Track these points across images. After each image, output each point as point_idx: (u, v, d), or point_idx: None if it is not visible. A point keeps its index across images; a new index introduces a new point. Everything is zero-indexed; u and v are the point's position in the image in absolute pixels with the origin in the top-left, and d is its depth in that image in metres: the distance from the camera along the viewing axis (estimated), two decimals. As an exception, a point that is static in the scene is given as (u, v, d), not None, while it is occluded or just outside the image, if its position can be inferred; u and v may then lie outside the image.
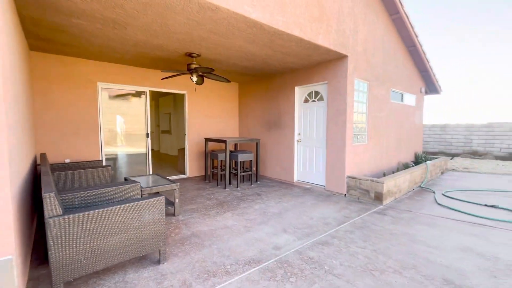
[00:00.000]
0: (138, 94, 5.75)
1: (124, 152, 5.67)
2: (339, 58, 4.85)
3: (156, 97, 11.76)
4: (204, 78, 4.83)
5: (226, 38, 3.79)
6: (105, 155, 5.32)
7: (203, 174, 6.86)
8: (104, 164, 5.15)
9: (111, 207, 2.12)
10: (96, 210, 2.05)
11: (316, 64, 5.27)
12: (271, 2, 3.33)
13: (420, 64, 7.38)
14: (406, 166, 6.83)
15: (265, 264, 2.48)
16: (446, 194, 5.04)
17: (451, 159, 10.46)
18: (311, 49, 4.31)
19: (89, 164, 4.49)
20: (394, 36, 6.27)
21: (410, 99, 7.43)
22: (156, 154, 11.85)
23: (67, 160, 4.81)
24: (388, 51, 6.04)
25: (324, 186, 5.31)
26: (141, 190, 3.34)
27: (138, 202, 2.27)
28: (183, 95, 6.55)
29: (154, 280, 2.23)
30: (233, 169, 6.05)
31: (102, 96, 5.21)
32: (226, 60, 4.94)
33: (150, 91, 5.83)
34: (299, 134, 5.85)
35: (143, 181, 3.96)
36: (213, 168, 6.06)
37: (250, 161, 5.82)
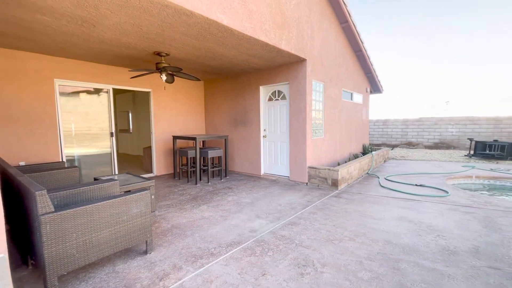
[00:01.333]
0: (99, 91, 5.53)
1: (87, 153, 5.42)
2: (299, 61, 5.39)
3: (113, 94, 11.09)
4: (174, 77, 4.91)
5: (197, 40, 3.98)
6: (66, 156, 5.04)
7: (172, 172, 6.88)
8: (66, 165, 4.88)
9: (101, 202, 2.24)
10: (87, 205, 2.15)
11: (279, 66, 5.75)
12: (240, 10, 3.64)
13: (366, 67, 8.45)
14: (356, 157, 7.81)
15: (245, 244, 2.83)
16: (388, 178, 6.01)
17: (391, 149, 12.10)
18: (275, 52, 4.74)
19: (51, 166, 4.26)
20: (344, 42, 7.09)
21: (358, 98, 8.46)
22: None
23: (22, 163, 4.47)
24: (339, 55, 6.83)
25: (288, 177, 5.86)
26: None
27: (126, 197, 2.41)
28: (145, 92, 6.45)
29: (145, 267, 2.41)
30: (203, 165, 6.23)
31: (60, 93, 4.91)
32: (194, 59, 5.09)
33: (113, 88, 5.65)
34: (264, 130, 6.30)
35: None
36: (182, 166, 6.15)
37: (219, 157, 6.07)
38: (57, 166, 4.28)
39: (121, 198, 2.38)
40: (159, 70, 4.55)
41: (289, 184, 5.53)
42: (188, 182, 5.79)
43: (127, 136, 11.03)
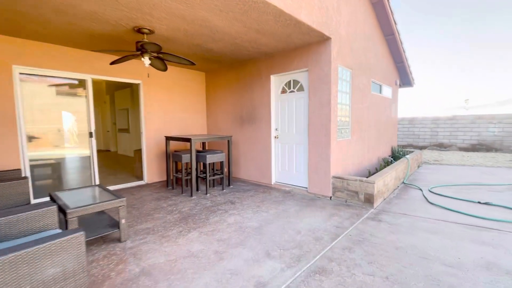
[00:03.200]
0: (76, 83, 4.55)
1: (60, 156, 4.46)
2: (321, 40, 4.21)
3: (111, 90, 10.26)
4: (166, 63, 3.85)
5: (185, 5, 2.89)
6: (30, 160, 4.07)
7: (165, 179, 5.84)
8: (25, 174, 3.92)
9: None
10: None
11: (295, 48, 4.58)
12: (244, -46, 2.51)
13: (397, 54, 7.13)
14: (386, 162, 6.54)
15: (246, 318, 1.71)
16: (432, 190, 4.73)
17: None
18: (291, 26, 3.59)
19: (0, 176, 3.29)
20: (373, 22, 5.83)
21: (387, 91, 7.16)
22: (113, 155, 10.44)
23: (-31, 171, 3.52)
24: (368, 38, 5.58)
25: (306, 188, 4.69)
26: (65, 215, 2.35)
27: (28, 250, 1.33)
28: (138, 85, 5.44)
29: None
30: (201, 173, 5.15)
31: (22, 84, 3.96)
32: (187, 39, 4.01)
33: (93, 79, 4.66)
34: (276, 129, 5.14)
35: (75, 197, 2.91)
36: (176, 172, 5.10)
37: (221, 162, 4.98)
38: (6, 176, 3.30)
39: (18, 252, 1.30)
40: (140, 51, 3.49)
41: (307, 198, 4.36)
42: (182, 193, 4.72)
43: (126, 136, 10.15)
